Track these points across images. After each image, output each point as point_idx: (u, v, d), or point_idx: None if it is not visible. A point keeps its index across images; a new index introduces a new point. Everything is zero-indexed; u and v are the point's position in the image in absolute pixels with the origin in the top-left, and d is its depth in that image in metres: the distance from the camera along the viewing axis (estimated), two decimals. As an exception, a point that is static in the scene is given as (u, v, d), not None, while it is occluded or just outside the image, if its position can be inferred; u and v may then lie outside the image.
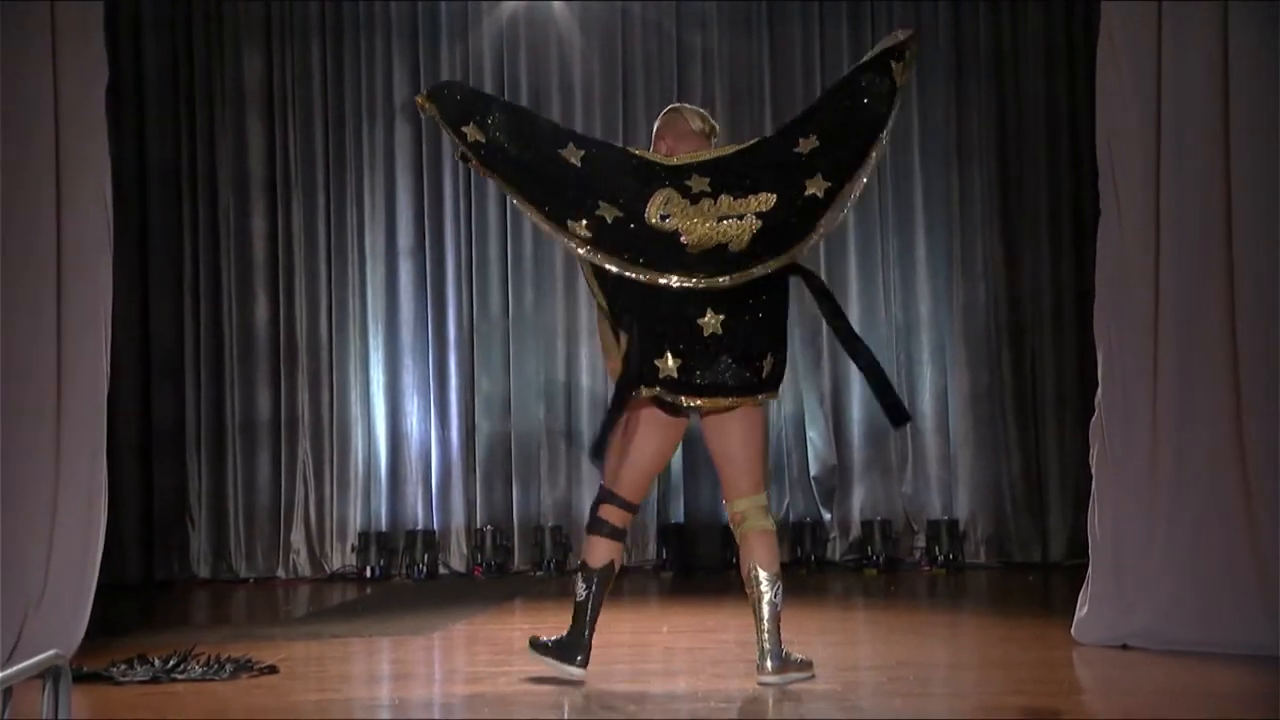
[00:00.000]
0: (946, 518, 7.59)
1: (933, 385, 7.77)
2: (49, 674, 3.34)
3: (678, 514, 7.68)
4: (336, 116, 7.84)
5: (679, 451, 7.69)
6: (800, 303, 7.81)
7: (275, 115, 7.82)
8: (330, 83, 7.85)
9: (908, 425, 7.65)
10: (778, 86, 7.90)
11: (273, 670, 4.63)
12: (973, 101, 7.81)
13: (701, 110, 4.16)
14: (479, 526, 7.71)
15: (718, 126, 4.19)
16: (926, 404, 7.77)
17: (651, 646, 5.32)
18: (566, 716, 3.85)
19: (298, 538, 7.69)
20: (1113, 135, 4.78)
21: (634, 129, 7.85)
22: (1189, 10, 4.57)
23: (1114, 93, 4.76)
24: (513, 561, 7.67)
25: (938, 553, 7.43)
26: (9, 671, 3.24)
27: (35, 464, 4.96)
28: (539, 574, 7.51)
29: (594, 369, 7.76)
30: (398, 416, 7.80)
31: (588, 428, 7.70)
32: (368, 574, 7.53)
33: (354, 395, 7.80)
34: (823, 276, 7.77)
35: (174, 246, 7.76)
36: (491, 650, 5.18)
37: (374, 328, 7.80)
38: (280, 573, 7.64)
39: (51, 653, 3.44)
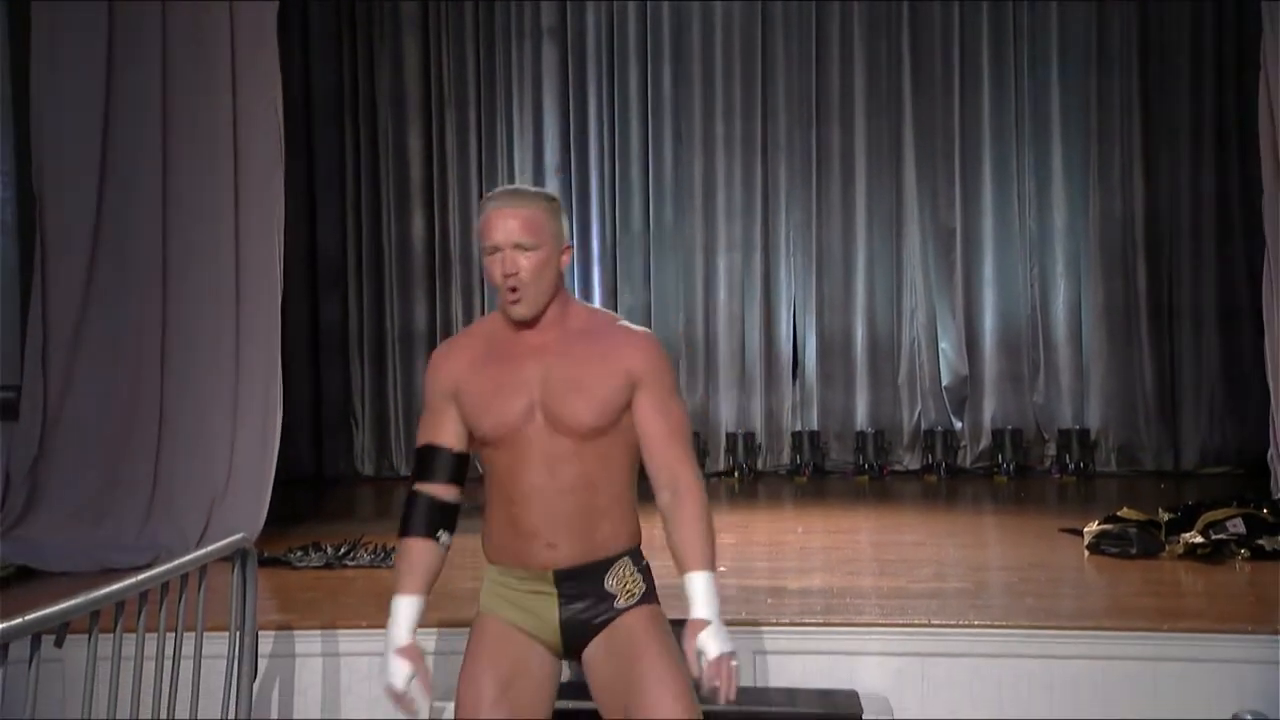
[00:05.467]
0: (1078, 427, 7.59)
1: (1066, 296, 7.74)
2: (237, 555, 3.73)
3: (811, 421, 7.85)
4: (487, 38, 7.96)
5: (814, 358, 7.85)
6: (934, 217, 7.87)
7: (430, 38, 7.96)
8: (482, 5, 7.95)
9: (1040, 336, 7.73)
10: (916, 9, 7.84)
11: (434, 558, 4.97)
12: (1114, 11, 7.64)
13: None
14: (620, 433, 7.92)
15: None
16: (1060, 314, 7.74)
17: (787, 546, 5.49)
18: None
19: (446, 448, 7.99)
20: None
21: (772, 52, 7.87)
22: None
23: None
24: (648, 469, 7.86)
25: (1068, 461, 7.45)
26: (203, 552, 3.64)
27: (218, 368, 5.36)
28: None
29: (731, 282, 7.92)
30: (544, 326, 8.03)
31: (724, 340, 7.89)
32: (514, 477, 7.81)
33: (503, 307, 8.04)
34: (956, 189, 7.83)
35: (337, 164, 8.00)
36: (634, 545, 5.41)
37: (522, 243, 8.00)
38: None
39: (240, 535, 3.82)
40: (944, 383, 7.79)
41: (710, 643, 2.63)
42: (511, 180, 7.99)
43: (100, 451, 5.24)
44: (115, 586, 3.03)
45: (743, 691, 3.49)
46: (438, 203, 8.02)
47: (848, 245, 7.89)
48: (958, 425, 7.76)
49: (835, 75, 7.87)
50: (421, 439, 2.91)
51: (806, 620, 3.96)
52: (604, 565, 2.81)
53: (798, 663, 3.88)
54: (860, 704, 3.70)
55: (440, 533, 2.84)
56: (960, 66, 7.79)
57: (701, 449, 7.78)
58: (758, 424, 7.84)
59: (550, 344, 2.79)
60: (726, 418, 7.88)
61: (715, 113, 7.92)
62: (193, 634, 3.47)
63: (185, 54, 5.36)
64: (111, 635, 3.00)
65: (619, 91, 7.95)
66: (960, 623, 3.91)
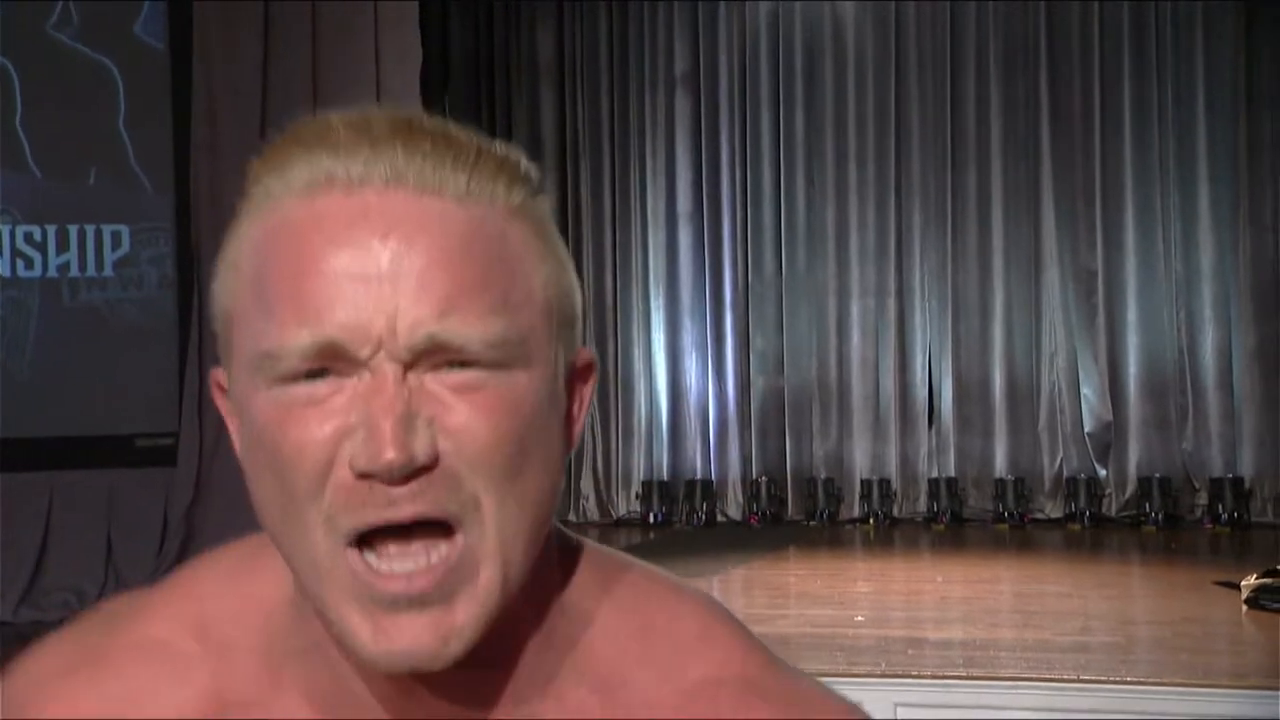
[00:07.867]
0: (1230, 475, 7.32)
1: (1215, 340, 7.50)
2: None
3: (948, 467, 7.74)
4: (621, 87, 8.09)
5: (950, 403, 7.76)
6: (1074, 259, 7.72)
7: (565, 87, 8.12)
8: (616, 54, 8.08)
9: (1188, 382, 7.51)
10: (1055, 49, 7.74)
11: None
12: (1262, 50, 7.41)
13: None
14: (754, 477, 7.88)
15: None
16: (1208, 359, 7.50)
17: (925, 595, 5.40)
18: (844, 663, 4.05)
19: (587, 485, 8.04)
20: None
21: (905, 95, 7.85)
22: None
23: None
24: (786, 511, 7.85)
25: (1221, 510, 7.17)
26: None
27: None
28: (811, 523, 7.67)
29: (865, 326, 7.88)
30: (678, 372, 8.06)
31: (858, 384, 7.85)
32: (650, 520, 7.81)
33: (637, 352, 8.10)
34: (1098, 231, 7.69)
35: (475, 214, 8.21)
36: (769, 594, 5.40)
37: (655, 288, 8.05)
38: (571, 516, 7.97)
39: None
40: (1086, 429, 7.61)
41: None
42: (644, 227, 8.14)
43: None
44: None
45: (885, 746, 3.44)
46: (571, 248, 8.01)
47: (984, 288, 7.79)
48: (1101, 473, 7.57)
49: (971, 117, 7.80)
50: None
51: (949, 673, 3.89)
52: None
53: (940, 716, 3.80)
54: (1006, 761, 3.61)
55: None
56: (1100, 106, 7.64)
57: (835, 495, 7.74)
58: (893, 470, 7.76)
59: None
60: (861, 464, 7.82)
61: (848, 157, 7.91)
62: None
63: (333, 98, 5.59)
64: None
65: (751, 137, 8.00)
66: (1110, 678, 3.80)
